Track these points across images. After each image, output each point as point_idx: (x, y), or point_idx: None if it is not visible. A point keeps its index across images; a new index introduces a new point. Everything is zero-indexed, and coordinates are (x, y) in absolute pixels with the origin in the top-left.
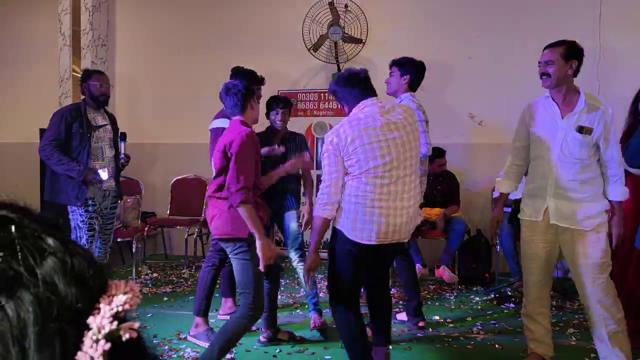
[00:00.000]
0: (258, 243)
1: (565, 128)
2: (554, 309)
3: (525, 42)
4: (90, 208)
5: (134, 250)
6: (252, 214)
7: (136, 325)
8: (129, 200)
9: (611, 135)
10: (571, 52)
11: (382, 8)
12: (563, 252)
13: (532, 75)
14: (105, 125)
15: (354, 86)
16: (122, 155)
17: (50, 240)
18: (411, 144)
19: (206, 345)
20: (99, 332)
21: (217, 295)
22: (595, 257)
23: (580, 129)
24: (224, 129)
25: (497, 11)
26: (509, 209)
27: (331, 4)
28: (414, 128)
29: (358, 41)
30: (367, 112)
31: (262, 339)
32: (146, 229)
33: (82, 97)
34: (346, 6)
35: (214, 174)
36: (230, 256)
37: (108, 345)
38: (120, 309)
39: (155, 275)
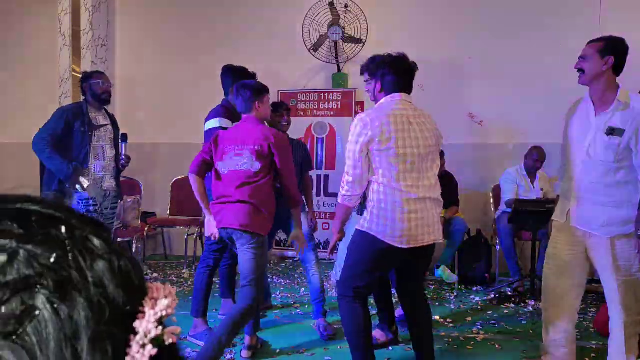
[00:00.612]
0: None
1: (595, 128)
2: None
3: (525, 42)
4: (90, 208)
5: (134, 250)
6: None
7: (178, 330)
8: (129, 200)
9: None
10: (608, 48)
11: (382, 8)
12: (589, 255)
13: (532, 75)
14: (106, 125)
15: (397, 74)
16: (123, 157)
17: (96, 242)
18: (435, 153)
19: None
20: (146, 336)
21: (217, 295)
22: (619, 262)
23: (611, 131)
24: (218, 128)
25: (498, 11)
26: (509, 209)
27: (331, 4)
28: (438, 136)
29: (358, 41)
30: (402, 110)
31: (244, 354)
32: (146, 229)
33: (83, 97)
34: (346, 6)
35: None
36: (243, 248)
37: (155, 351)
38: (164, 313)
39: (155, 275)
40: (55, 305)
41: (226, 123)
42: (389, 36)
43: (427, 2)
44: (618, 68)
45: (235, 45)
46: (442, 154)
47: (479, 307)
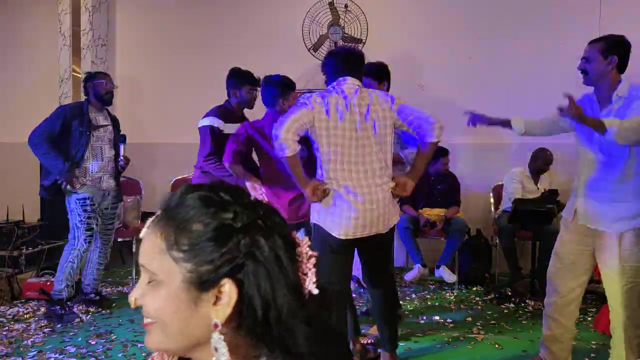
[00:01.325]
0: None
1: None
2: None
3: (525, 42)
4: (88, 208)
5: (134, 250)
6: None
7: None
8: (129, 200)
9: None
10: (611, 47)
11: (382, 8)
12: (595, 254)
13: (532, 75)
14: (106, 125)
15: (337, 60)
16: (121, 158)
17: (264, 205)
18: (382, 137)
19: None
20: (306, 255)
21: None
22: (626, 261)
23: None
24: (208, 127)
25: (497, 11)
26: (509, 209)
27: (331, 4)
28: (386, 115)
29: (358, 41)
30: (344, 93)
31: None
32: None
33: (85, 97)
34: (346, 6)
35: None
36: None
37: (314, 260)
38: (309, 244)
39: None
40: (267, 239)
41: (218, 123)
42: (389, 36)
43: (427, 2)
44: (622, 65)
45: (235, 45)
46: (447, 152)
47: (479, 307)
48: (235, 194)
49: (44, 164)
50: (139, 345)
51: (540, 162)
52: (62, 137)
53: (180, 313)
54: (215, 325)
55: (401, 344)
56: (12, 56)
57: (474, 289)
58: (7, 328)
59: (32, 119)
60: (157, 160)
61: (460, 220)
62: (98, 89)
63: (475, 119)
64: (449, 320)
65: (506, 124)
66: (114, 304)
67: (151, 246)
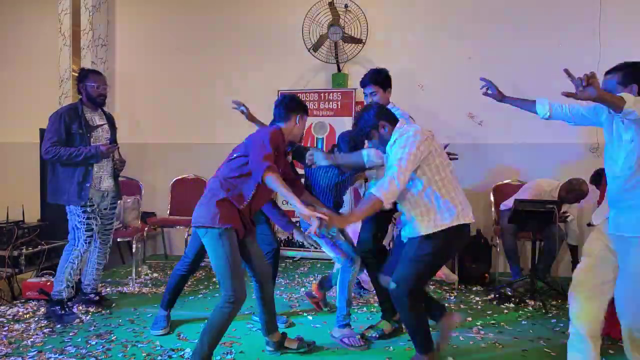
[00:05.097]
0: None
1: (617, 136)
2: (553, 308)
3: (525, 42)
4: (88, 209)
5: (134, 250)
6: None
7: None
8: (129, 200)
9: None
10: (628, 77)
11: (382, 8)
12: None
13: (531, 75)
14: (102, 125)
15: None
16: (116, 160)
17: None
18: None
19: (159, 333)
20: None
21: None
22: (634, 265)
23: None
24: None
25: (497, 11)
26: (508, 207)
27: (331, 4)
28: None
29: (358, 41)
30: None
31: (269, 348)
32: (146, 229)
33: (80, 97)
34: (346, 6)
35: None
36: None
37: None
38: None
39: (155, 275)
40: None
41: None
42: (389, 36)
43: (426, 2)
44: None
45: (235, 45)
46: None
47: (479, 307)
48: None
49: (79, 162)
50: (139, 345)
51: (572, 197)
52: (66, 141)
53: None
54: None
55: (401, 343)
56: (12, 56)
57: (474, 289)
58: (7, 328)
59: (32, 119)
60: (157, 160)
61: None
62: (90, 91)
63: (492, 92)
64: None
65: (529, 104)
66: (113, 304)
67: None
